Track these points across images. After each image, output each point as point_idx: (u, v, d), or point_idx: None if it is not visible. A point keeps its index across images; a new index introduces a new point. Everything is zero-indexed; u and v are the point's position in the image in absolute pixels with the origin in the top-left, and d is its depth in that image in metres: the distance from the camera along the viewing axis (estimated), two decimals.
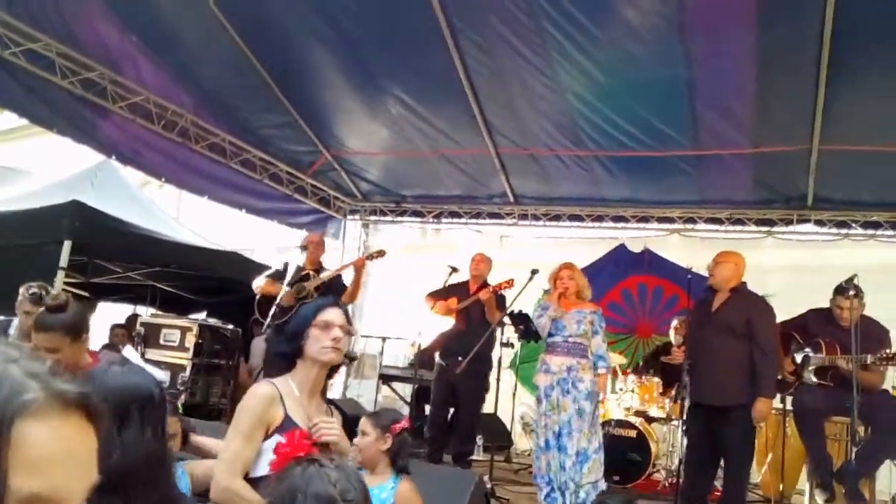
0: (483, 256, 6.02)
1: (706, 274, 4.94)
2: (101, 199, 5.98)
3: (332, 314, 2.44)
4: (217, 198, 7.21)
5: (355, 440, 2.79)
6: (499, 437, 7.39)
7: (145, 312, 7.82)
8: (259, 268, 6.26)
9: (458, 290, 5.89)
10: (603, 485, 4.87)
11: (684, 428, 4.69)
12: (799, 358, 4.90)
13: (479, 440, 6.97)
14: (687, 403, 4.63)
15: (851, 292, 4.44)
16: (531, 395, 7.75)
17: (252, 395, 2.33)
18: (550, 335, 5.04)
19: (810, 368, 4.79)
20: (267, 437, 2.24)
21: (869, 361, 4.43)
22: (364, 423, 2.85)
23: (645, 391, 6.54)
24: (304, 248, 5.66)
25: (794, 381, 4.86)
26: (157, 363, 5.62)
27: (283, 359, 2.43)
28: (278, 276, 5.86)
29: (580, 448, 4.81)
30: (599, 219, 8.11)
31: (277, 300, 5.44)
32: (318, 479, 1.46)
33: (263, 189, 7.60)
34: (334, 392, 8.55)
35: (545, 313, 5.05)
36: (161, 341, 6.25)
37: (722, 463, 4.78)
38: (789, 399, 5.09)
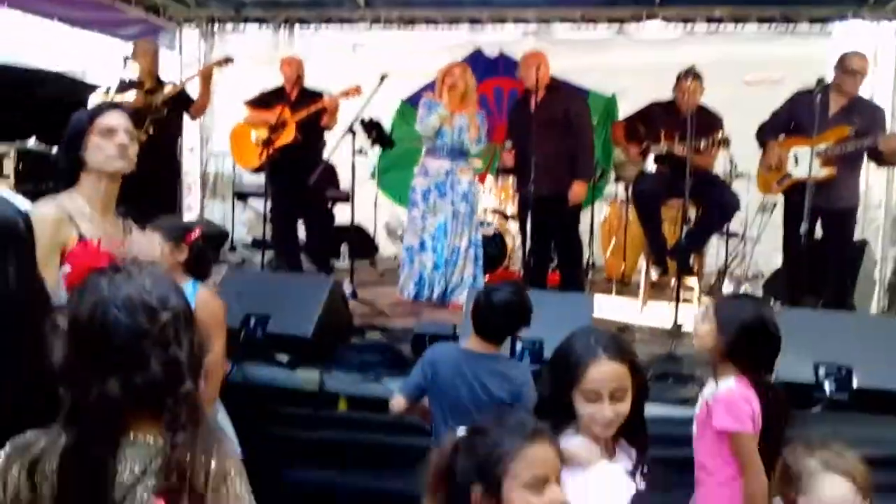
0: (295, 59, 5.74)
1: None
2: None
3: (114, 118, 2.21)
4: (18, 4, 6.22)
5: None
6: (363, 246, 7.51)
7: None
8: (92, 88, 5.70)
9: (277, 96, 5.63)
10: (479, 281, 5.10)
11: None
12: (641, 147, 5.15)
13: (344, 249, 7.03)
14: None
15: (691, 77, 4.63)
16: (395, 204, 7.85)
17: (36, 219, 2.10)
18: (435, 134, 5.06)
19: (650, 157, 5.06)
20: (63, 262, 2.03)
21: (702, 147, 4.71)
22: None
23: (501, 191, 6.76)
24: (130, 58, 5.15)
25: (639, 158, 5.16)
26: None
27: (63, 173, 2.20)
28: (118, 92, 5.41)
29: (455, 246, 5.03)
30: (455, 21, 7.84)
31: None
32: (129, 286, 1.24)
33: None
34: (192, 213, 8.24)
35: (434, 112, 5.01)
36: None
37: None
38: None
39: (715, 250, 5.95)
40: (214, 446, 1.26)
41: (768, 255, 5.88)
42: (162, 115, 5.28)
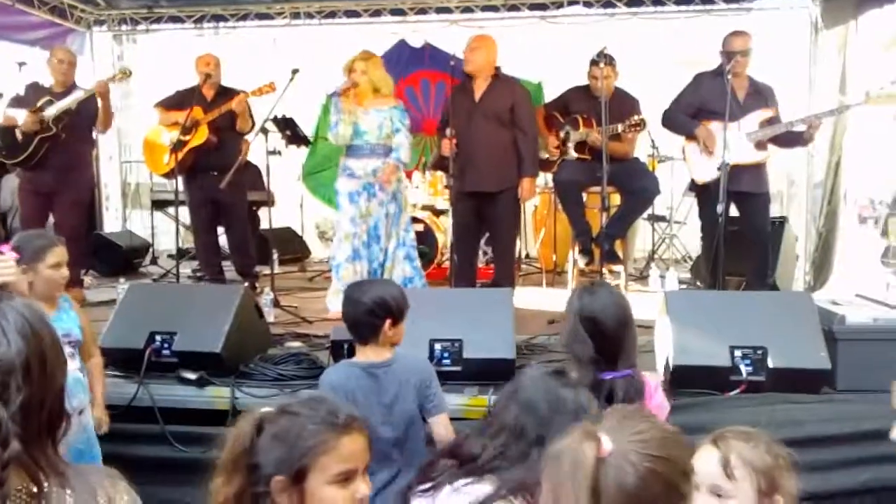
0: (211, 56, 5.45)
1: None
2: None
3: None
4: None
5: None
6: (294, 249, 7.33)
7: None
8: None
9: (190, 96, 5.30)
10: (415, 282, 4.85)
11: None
12: (561, 136, 5.08)
13: (275, 254, 6.82)
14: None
15: (602, 62, 4.54)
16: (324, 204, 7.65)
17: None
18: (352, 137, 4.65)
19: (570, 144, 5.00)
20: None
21: (620, 130, 4.66)
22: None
23: (431, 185, 6.64)
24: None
25: (558, 156, 5.07)
26: None
27: None
28: (20, 102, 5.12)
29: (384, 248, 4.79)
30: (377, 13, 7.67)
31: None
32: None
33: None
34: (114, 224, 7.95)
35: (341, 120, 4.60)
36: None
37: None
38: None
39: (643, 236, 5.96)
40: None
41: (697, 238, 5.89)
42: (57, 133, 5.00)
